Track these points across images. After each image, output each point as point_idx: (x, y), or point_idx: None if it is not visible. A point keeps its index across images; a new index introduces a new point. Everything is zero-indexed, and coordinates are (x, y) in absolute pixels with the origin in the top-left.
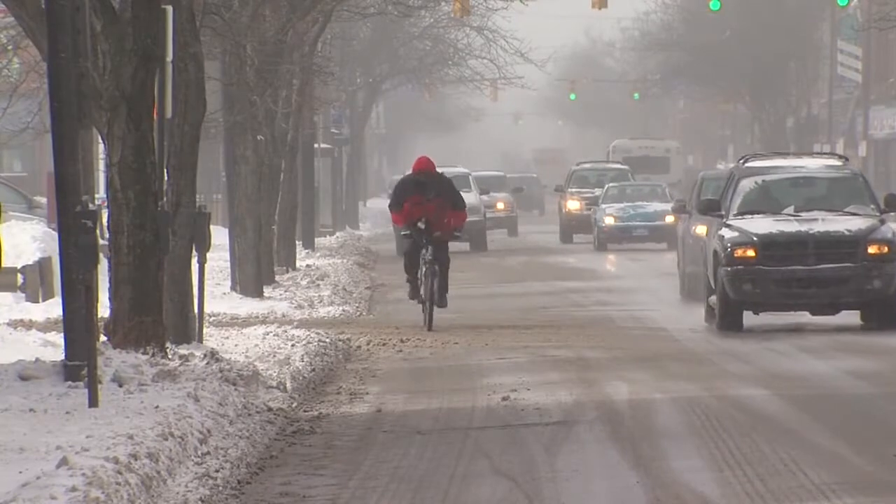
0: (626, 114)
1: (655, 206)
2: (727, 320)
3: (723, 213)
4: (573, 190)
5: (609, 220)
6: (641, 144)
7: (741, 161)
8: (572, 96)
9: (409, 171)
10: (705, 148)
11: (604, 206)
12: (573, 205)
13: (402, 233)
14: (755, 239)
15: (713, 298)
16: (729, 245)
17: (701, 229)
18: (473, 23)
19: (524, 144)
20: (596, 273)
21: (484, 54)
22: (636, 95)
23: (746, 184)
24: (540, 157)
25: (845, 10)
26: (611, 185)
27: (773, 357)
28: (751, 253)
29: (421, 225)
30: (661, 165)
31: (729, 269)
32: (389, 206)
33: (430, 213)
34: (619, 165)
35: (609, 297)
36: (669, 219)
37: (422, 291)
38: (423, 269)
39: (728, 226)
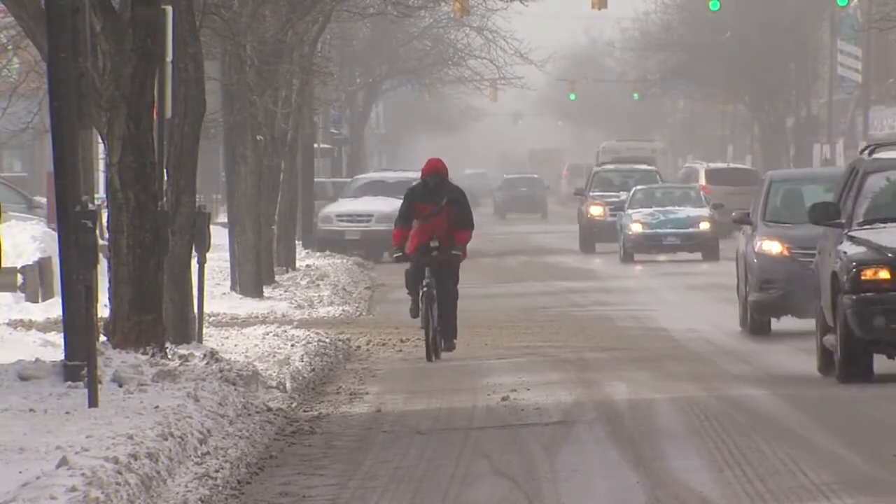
0: (626, 114)
1: (688, 212)
2: (851, 367)
3: (842, 220)
4: (595, 193)
5: (636, 228)
6: (629, 146)
7: (866, 150)
8: (572, 96)
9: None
10: (705, 148)
11: (630, 211)
12: (596, 210)
13: (395, 255)
14: (890, 255)
15: (830, 338)
16: (854, 265)
17: (770, 245)
18: (473, 23)
19: (524, 144)
20: (596, 273)
21: (484, 54)
22: (636, 95)
23: (876, 182)
24: (535, 157)
25: (845, 10)
26: (638, 188)
27: (773, 357)
28: (884, 275)
29: (434, 244)
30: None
31: (854, 297)
32: (396, 222)
33: (442, 227)
34: (645, 166)
35: (608, 297)
36: (704, 225)
37: (421, 322)
38: (421, 295)
39: (851, 238)
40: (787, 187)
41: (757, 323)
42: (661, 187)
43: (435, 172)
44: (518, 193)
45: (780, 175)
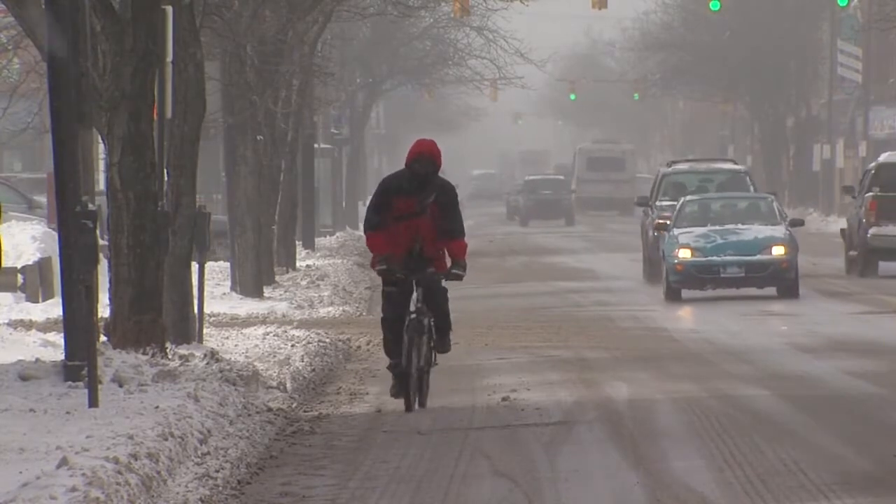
0: (627, 114)
1: (756, 231)
2: None
3: None
4: (664, 203)
5: (684, 254)
6: (602, 147)
7: None
8: (572, 96)
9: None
10: (705, 148)
11: (677, 231)
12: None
13: (379, 268)
14: None
15: None
16: None
17: None
18: (473, 23)
19: (524, 145)
20: (596, 274)
21: (484, 54)
22: (636, 95)
23: None
24: (524, 158)
25: (845, 10)
26: (688, 198)
27: (773, 357)
28: None
29: (416, 252)
30: (618, 165)
31: None
32: (365, 222)
33: (425, 232)
34: (732, 165)
35: (609, 297)
36: (779, 250)
37: (403, 360)
38: (407, 324)
39: None
40: None
41: None
42: (720, 198)
43: (427, 157)
44: (541, 198)
45: None
